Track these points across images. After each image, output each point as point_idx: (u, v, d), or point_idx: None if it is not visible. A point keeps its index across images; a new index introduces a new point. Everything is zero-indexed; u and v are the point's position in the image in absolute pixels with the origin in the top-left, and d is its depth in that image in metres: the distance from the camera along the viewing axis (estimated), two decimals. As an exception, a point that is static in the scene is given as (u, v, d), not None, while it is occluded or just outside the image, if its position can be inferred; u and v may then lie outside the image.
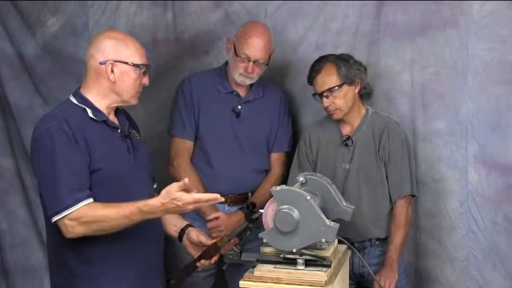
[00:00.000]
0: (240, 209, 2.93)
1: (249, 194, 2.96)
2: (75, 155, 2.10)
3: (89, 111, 2.19)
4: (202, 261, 2.41)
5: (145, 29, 3.32)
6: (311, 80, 2.75)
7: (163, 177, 2.57)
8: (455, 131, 2.87)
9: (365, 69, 2.79)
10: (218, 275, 3.03)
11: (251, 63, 2.80)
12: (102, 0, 3.34)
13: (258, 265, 2.15)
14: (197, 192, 2.11)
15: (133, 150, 2.28)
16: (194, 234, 2.44)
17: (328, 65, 2.71)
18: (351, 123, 2.80)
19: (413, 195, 2.78)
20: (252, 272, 2.13)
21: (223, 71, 2.97)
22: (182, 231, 2.46)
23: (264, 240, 2.18)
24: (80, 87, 2.26)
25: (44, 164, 2.11)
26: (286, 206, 2.13)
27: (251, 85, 2.94)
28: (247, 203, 2.72)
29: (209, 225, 2.85)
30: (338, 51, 2.86)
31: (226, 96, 2.93)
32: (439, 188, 2.91)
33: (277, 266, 2.14)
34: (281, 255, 2.16)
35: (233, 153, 2.92)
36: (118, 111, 2.32)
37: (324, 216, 2.12)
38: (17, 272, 3.55)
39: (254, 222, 2.29)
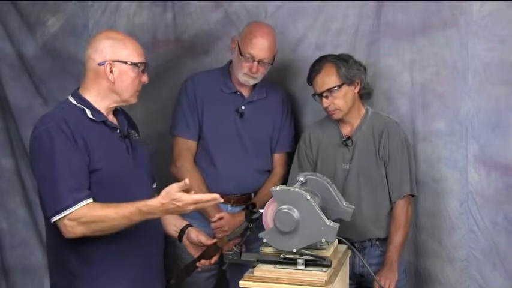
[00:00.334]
0: (243, 209, 2.92)
1: (252, 195, 2.96)
2: (74, 155, 2.10)
3: (87, 111, 2.19)
4: (202, 261, 2.41)
5: (145, 29, 3.32)
6: (311, 80, 2.75)
7: (163, 177, 2.56)
8: (455, 131, 2.87)
9: (365, 69, 2.79)
10: (219, 275, 3.02)
11: (255, 62, 2.80)
12: (102, 0, 3.34)
13: (258, 265, 2.15)
14: (201, 193, 2.10)
15: (132, 150, 2.28)
16: (194, 234, 2.44)
17: (327, 65, 2.71)
18: (351, 123, 2.79)
19: (413, 195, 2.78)
20: (252, 272, 2.13)
21: (227, 71, 2.97)
22: (182, 231, 2.45)
23: (264, 240, 2.18)
24: (78, 88, 2.26)
25: (43, 164, 2.11)
26: (286, 206, 2.13)
27: (254, 85, 2.94)
28: (247, 203, 2.71)
29: (213, 225, 2.85)
30: (338, 51, 2.86)
31: (229, 97, 2.93)
32: (439, 188, 2.91)
33: (277, 266, 2.13)
34: (281, 255, 2.15)
35: (236, 153, 2.92)
36: (117, 111, 2.31)
37: (324, 216, 2.12)
38: (17, 272, 3.55)
39: (254, 223, 2.29)
